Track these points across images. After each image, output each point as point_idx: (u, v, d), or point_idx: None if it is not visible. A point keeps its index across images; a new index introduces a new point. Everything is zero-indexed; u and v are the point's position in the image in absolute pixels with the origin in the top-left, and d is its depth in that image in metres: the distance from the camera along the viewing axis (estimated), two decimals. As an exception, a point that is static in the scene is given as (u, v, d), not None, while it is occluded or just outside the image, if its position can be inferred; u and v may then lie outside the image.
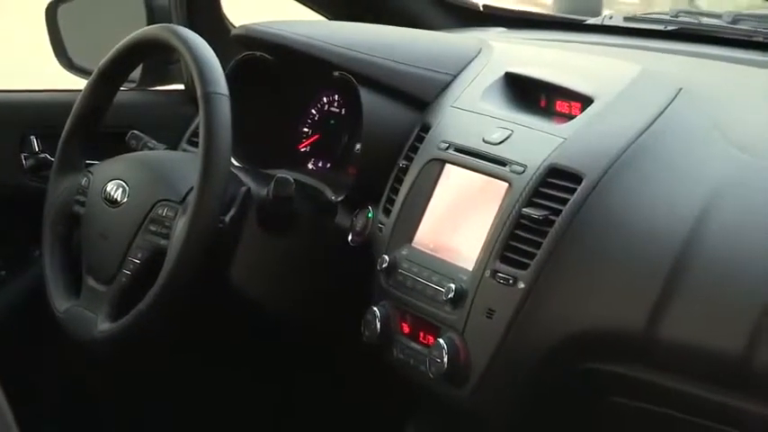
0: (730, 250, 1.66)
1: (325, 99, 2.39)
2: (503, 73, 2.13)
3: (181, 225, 1.99)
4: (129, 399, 2.48)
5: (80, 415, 2.43)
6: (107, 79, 2.20)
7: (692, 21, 2.42)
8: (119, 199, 2.11)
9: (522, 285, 1.79)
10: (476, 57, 2.24)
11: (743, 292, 1.62)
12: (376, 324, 2.00)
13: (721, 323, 1.64)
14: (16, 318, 2.46)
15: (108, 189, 2.12)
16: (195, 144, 2.15)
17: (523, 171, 1.87)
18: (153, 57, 2.36)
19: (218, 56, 2.04)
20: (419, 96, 2.19)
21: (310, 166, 2.39)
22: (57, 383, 2.46)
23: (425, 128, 2.11)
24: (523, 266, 1.80)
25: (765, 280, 1.60)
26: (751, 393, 1.62)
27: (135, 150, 2.25)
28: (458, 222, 1.96)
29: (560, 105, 2.04)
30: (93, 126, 2.21)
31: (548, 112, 2.05)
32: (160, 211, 2.06)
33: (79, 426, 2.36)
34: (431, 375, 1.89)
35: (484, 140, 1.98)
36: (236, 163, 2.13)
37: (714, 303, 1.65)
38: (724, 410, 1.66)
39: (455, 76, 2.20)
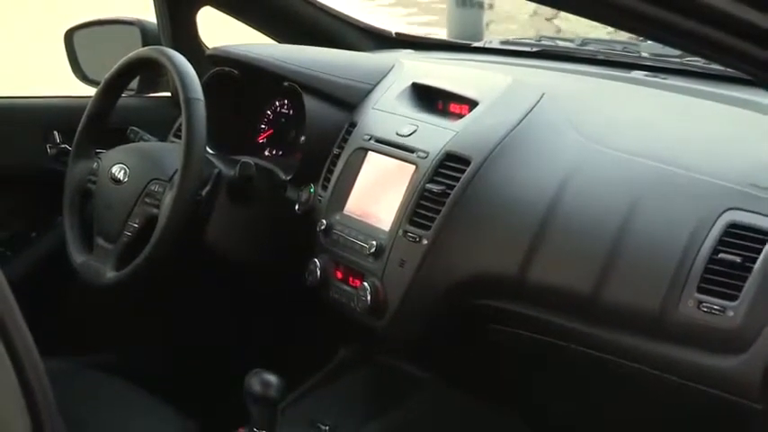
0: (580, 214, 1.68)
1: (277, 103, 2.36)
2: (410, 83, 2.12)
3: (168, 198, 1.98)
4: (119, 319, 2.45)
5: (88, 337, 2.39)
6: (112, 88, 2.16)
7: (551, 44, 2.44)
8: (121, 178, 2.08)
9: (425, 242, 1.80)
10: (390, 71, 2.22)
11: (589, 246, 1.63)
12: (317, 272, 2.00)
13: (574, 269, 1.66)
14: (43, 269, 2.42)
15: (113, 171, 2.09)
16: (179, 137, 2.12)
17: (426, 156, 1.87)
18: (147, 71, 2.31)
19: (195, 70, 2.01)
20: (348, 101, 2.17)
21: (266, 153, 2.36)
22: (72, 316, 2.42)
23: (353, 124, 2.10)
24: (427, 228, 1.80)
25: (606, 236, 1.61)
26: (596, 320, 1.63)
27: (133, 142, 2.22)
28: (378, 195, 1.95)
29: (453, 107, 2.03)
30: (102, 123, 2.17)
31: (444, 112, 2.04)
32: (153, 188, 2.04)
33: (85, 345, 2.32)
34: (358, 310, 1.89)
35: (397, 134, 1.97)
36: (210, 151, 2.11)
37: (568, 254, 1.67)
38: (576, 334, 1.68)
39: (375, 86, 2.18)
